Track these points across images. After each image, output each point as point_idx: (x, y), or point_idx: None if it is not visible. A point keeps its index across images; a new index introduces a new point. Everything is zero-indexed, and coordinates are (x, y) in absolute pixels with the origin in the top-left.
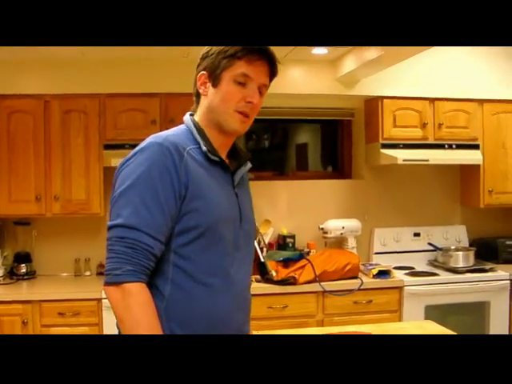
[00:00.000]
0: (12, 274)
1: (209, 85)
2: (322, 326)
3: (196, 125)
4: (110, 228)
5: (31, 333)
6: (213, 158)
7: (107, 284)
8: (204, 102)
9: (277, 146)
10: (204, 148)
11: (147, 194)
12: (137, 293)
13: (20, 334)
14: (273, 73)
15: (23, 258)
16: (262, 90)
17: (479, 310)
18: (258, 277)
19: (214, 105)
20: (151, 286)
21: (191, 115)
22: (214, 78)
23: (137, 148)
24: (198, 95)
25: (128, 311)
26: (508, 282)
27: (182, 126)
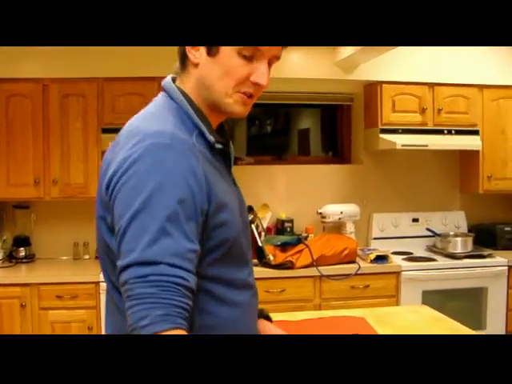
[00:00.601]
0: (11, 258)
1: (202, 51)
2: (320, 310)
3: (192, 103)
4: (123, 270)
5: (29, 315)
6: (218, 147)
7: None
8: (194, 72)
9: (279, 131)
10: (211, 138)
11: (165, 216)
12: None
13: (18, 316)
14: None
15: (22, 241)
16: (272, 61)
17: (477, 295)
18: (256, 261)
19: (208, 81)
20: None
21: (173, 80)
22: None
23: (131, 151)
24: (185, 56)
25: None
26: (506, 268)
27: (166, 103)
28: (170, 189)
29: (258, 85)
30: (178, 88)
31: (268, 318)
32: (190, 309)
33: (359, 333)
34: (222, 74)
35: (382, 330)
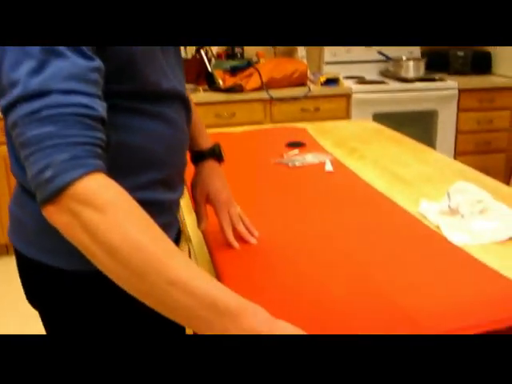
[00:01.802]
0: None
1: None
2: None
3: None
4: (8, 110)
5: None
6: None
7: (42, 204)
8: None
9: None
10: None
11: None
12: (95, 193)
13: None
14: None
15: None
16: None
17: (428, 119)
18: (206, 87)
19: None
20: None
21: None
22: None
23: None
24: None
25: (94, 238)
26: (456, 91)
27: None
28: None
29: None
30: None
31: (219, 158)
32: (103, 143)
33: (297, 141)
34: None
35: (321, 139)
